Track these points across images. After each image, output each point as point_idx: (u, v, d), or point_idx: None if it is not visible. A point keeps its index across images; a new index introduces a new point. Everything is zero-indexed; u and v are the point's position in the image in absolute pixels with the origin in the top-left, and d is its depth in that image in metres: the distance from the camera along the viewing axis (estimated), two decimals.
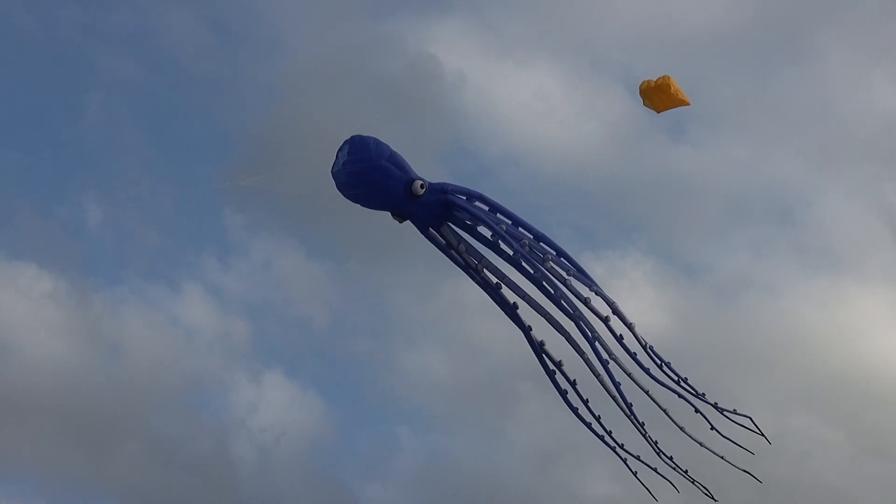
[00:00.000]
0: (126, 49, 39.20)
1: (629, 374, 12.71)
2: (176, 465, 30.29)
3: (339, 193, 12.45)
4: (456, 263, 12.77)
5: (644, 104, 15.84)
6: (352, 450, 32.42)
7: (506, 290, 12.71)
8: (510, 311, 12.75)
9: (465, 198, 12.45)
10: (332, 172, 12.40)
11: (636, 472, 13.22)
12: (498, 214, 12.48)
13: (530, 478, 29.14)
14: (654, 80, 15.56)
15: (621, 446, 13.08)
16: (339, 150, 12.36)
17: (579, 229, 35.81)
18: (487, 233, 12.54)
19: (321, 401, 33.18)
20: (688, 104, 15.67)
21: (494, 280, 12.69)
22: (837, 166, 37.59)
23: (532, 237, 12.48)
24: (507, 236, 12.27)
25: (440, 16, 40.09)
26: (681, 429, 12.99)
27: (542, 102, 37.34)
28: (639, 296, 33.33)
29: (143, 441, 30.91)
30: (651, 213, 35.80)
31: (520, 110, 36.95)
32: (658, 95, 15.62)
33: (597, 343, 12.51)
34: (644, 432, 12.92)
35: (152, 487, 29.57)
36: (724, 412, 13.18)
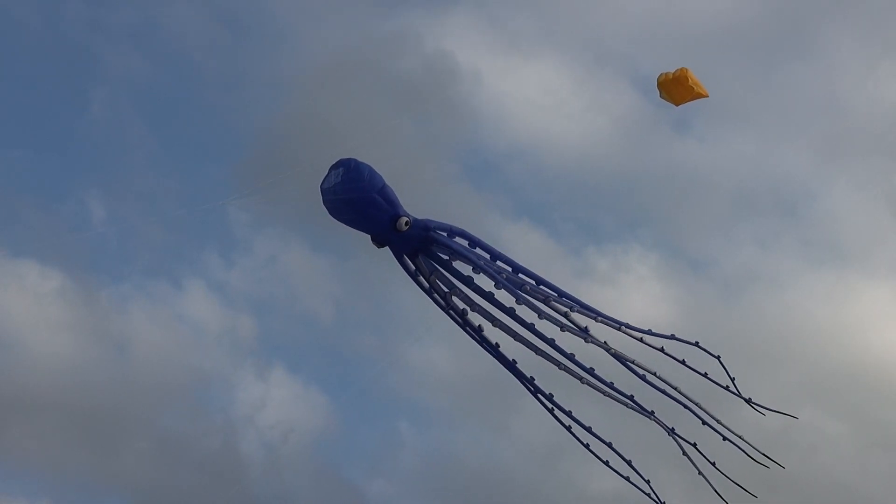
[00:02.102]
0: (131, 44, 39.10)
1: (608, 388, 13.03)
2: (184, 463, 30.25)
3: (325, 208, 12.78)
4: (422, 289, 13.15)
5: (661, 97, 15.73)
6: (357, 446, 32.33)
7: (472, 316, 13.09)
8: (477, 335, 13.18)
9: (445, 234, 12.79)
10: (321, 188, 12.62)
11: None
12: (477, 249, 12.80)
13: (535, 473, 29.09)
14: (672, 72, 15.47)
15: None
16: (333, 167, 12.60)
17: (584, 223, 35.82)
18: (464, 268, 12.91)
19: (326, 397, 33.09)
20: (706, 96, 15.55)
21: (462, 307, 13.06)
22: (844, 160, 37.56)
23: (510, 270, 12.79)
24: (487, 268, 12.62)
25: (445, 10, 40.01)
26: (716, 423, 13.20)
27: (549, 97, 37.32)
28: (644, 290, 33.30)
29: (150, 439, 30.88)
30: (657, 207, 35.79)
31: (526, 105, 36.90)
32: (676, 88, 15.50)
33: (576, 357, 12.89)
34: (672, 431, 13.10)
35: (160, 485, 29.53)
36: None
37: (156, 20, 39.24)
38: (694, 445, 13.27)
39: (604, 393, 13.04)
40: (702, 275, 34.88)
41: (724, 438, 13.28)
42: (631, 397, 13.10)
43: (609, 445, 13.28)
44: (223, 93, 37.99)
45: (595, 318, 12.76)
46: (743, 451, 13.39)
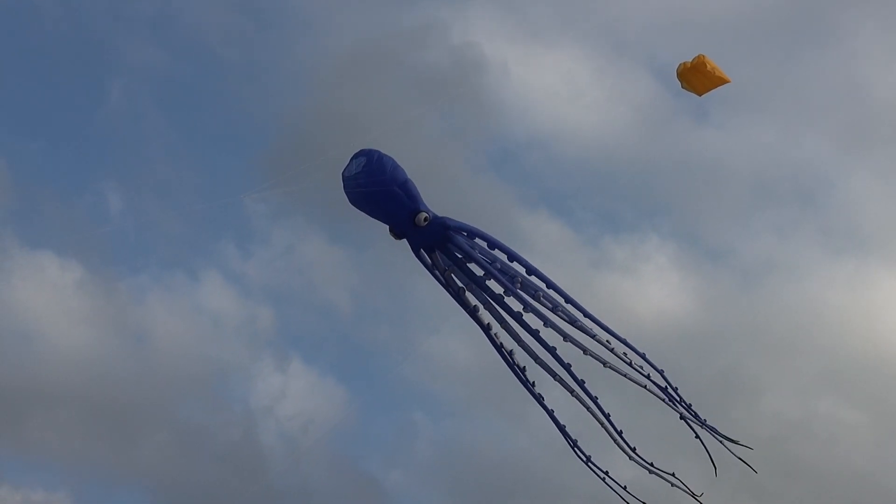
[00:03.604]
0: (150, 34, 39.07)
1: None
2: (203, 454, 30.32)
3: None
4: (438, 281, 13.17)
5: (683, 87, 15.49)
6: (374, 437, 32.37)
7: (483, 313, 13.14)
8: (486, 330, 13.20)
9: (465, 234, 12.80)
10: (342, 176, 12.64)
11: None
12: (495, 250, 12.83)
13: (552, 463, 29.05)
14: (689, 61, 15.24)
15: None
16: (355, 156, 12.62)
17: (603, 213, 35.76)
18: (478, 268, 12.92)
19: (343, 387, 33.15)
20: (728, 81, 15.28)
21: (473, 303, 13.10)
22: (864, 148, 37.42)
23: (525, 272, 12.84)
24: (499, 276, 12.71)
25: (463, 1, 39.89)
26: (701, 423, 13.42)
27: (568, 86, 37.25)
28: (663, 279, 33.28)
29: (169, 430, 30.96)
30: (675, 196, 35.75)
31: (545, 94, 36.84)
32: (696, 76, 15.20)
33: (572, 370, 12.93)
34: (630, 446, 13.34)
35: (179, 476, 29.63)
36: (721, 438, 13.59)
37: (174, 10, 39.26)
38: (651, 464, 13.41)
39: (586, 406, 13.14)
40: (720, 264, 34.86)
41: (696, 436, 13.43)
42: (608, 416, 13.22)
43: (575, 443, 13.39)
44: (243, 84, 38.00)
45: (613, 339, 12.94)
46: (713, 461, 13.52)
